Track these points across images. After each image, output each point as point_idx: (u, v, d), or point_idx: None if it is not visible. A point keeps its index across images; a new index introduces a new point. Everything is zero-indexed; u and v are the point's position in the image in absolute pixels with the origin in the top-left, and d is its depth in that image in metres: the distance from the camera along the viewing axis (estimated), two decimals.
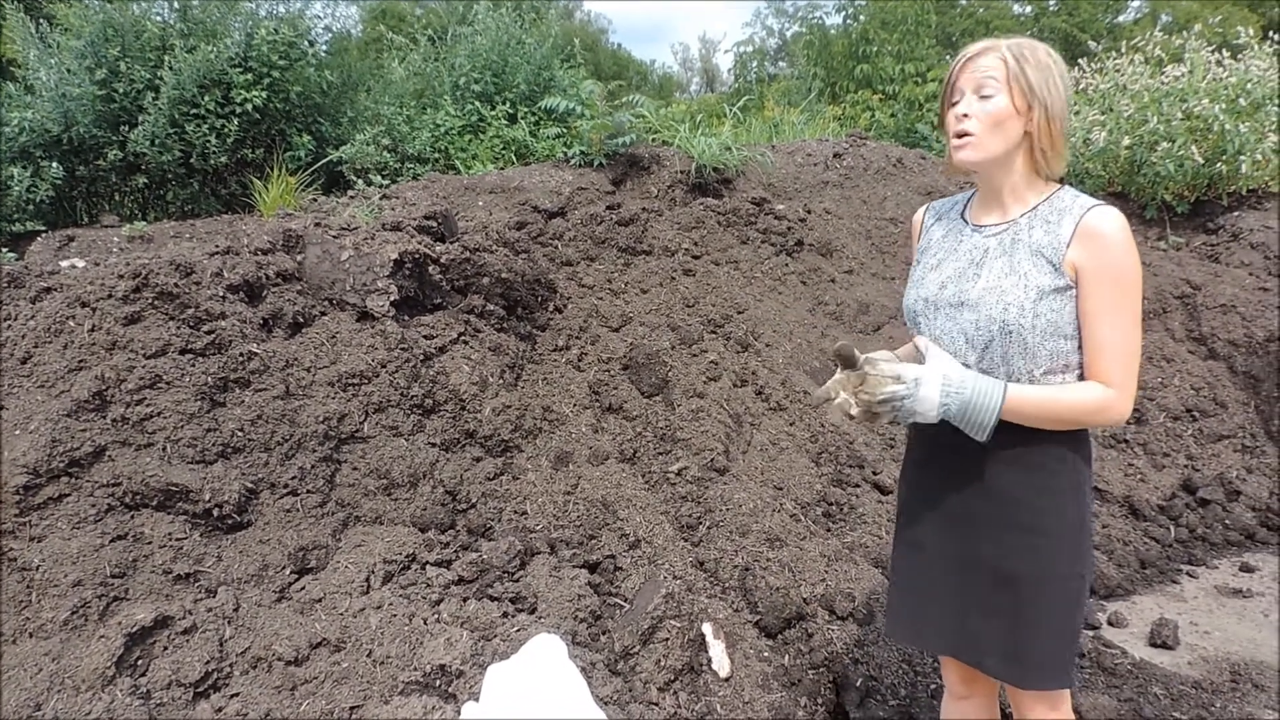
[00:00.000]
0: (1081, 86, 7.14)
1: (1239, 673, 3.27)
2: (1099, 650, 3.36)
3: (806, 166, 5.94)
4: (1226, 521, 4.60)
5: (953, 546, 1.94)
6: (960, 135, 1.81)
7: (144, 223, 3.87)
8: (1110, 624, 3.70)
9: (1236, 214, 6.40)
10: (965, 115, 1.80)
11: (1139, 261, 1.74)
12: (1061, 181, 1.91)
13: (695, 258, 4.72)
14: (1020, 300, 1.77)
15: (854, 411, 1.79)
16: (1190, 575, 4.20)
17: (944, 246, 1.98)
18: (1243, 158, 6.14)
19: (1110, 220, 1.74)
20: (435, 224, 3.83)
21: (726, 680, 2.83)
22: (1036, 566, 1.83)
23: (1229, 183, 6.45)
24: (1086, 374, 1.79)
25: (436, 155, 5.74)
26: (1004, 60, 1.77)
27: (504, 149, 5.78)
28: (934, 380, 1.75)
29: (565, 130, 5.82)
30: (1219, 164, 6.27)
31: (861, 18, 12.60)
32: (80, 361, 2.72)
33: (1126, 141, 6.44)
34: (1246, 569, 4.21)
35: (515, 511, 3.28)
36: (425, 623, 2.63)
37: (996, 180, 1.87)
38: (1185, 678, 3.25)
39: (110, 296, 2.81)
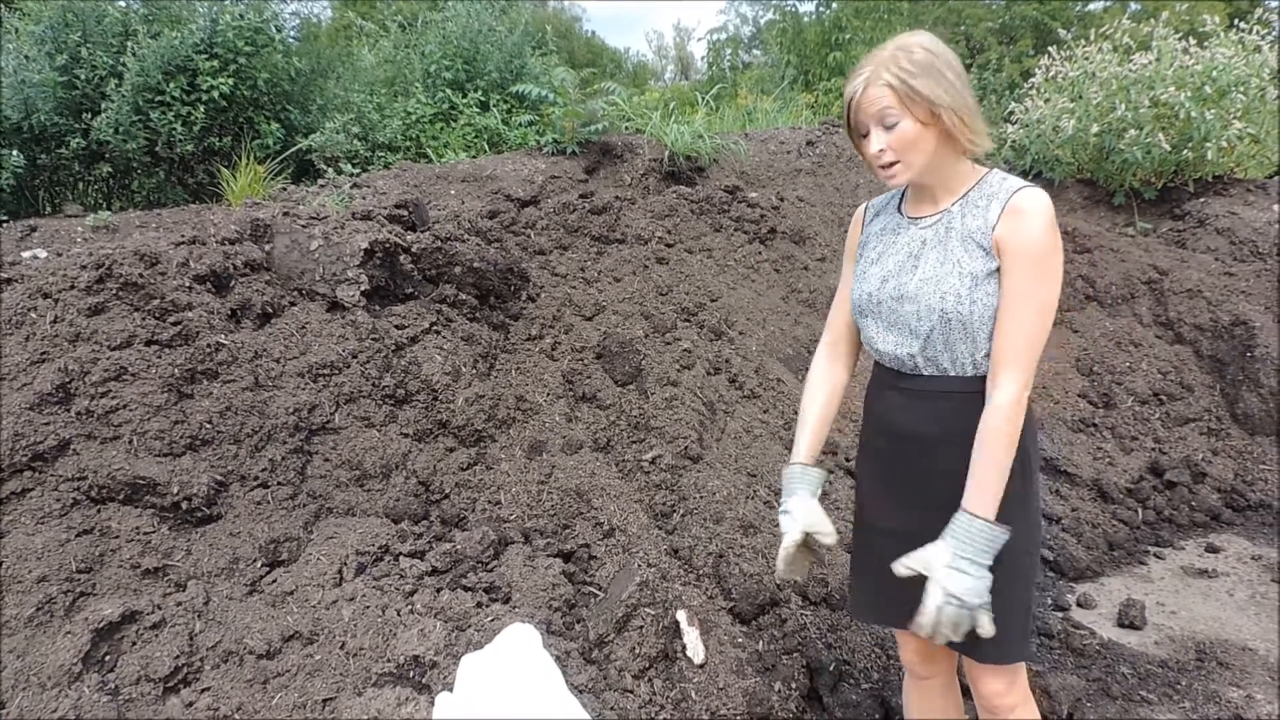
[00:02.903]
0: (1051, 74, 7.19)
1: (1205, 651, 3.33)
2: (1068, 631, 3.41)
3: (779, 154, 5.94)
4: (1192, 503, 4.68)
5: (909, 526, 1.96)
6: (884, 167, 1.85)
7: (109, 212, 3.80)
8: (1079, 605, 3.75)
9: (1203, 200, 6.49)
10: (881, 150, 1.83)
11: (1059, 244, 1.79)
12: (999, 162, 1.95)
13: (668, 246, 4.72)
14: (956, 288, 1.82)
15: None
16: (1157, 556, 4.27)
17: (883, 241, 2.02)
18: (1209, 144, 6.22)
19: (1034, 199, 1.79)
20: (406, 213, 3.80)
21: (701, 667, 2.85)
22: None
23: (1195, 169, 6.53)
24: (991, 358, 1.83)
25: (408, 143, 5.68)
26: (890, 87, 1.78)
27: (476, 137, 5.73)
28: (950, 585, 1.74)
29: (538, 118, 5.78)
30: (1186, 151, 6.35)
31: (834, 5, 12.62)
32: (43, 354, 2.67)
33: (1095, 129, 6.50)
34: (1212, 549, 4.29)
35: (489, 501, 3.27)
36: (399, 614, 2.62)
37: (927, 179, 1.90)
38: (1152, 657, 3.31)
39: (73, 287, 2.76)
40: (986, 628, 1.74)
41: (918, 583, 1.88)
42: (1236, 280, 5.64)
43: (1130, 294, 5.77)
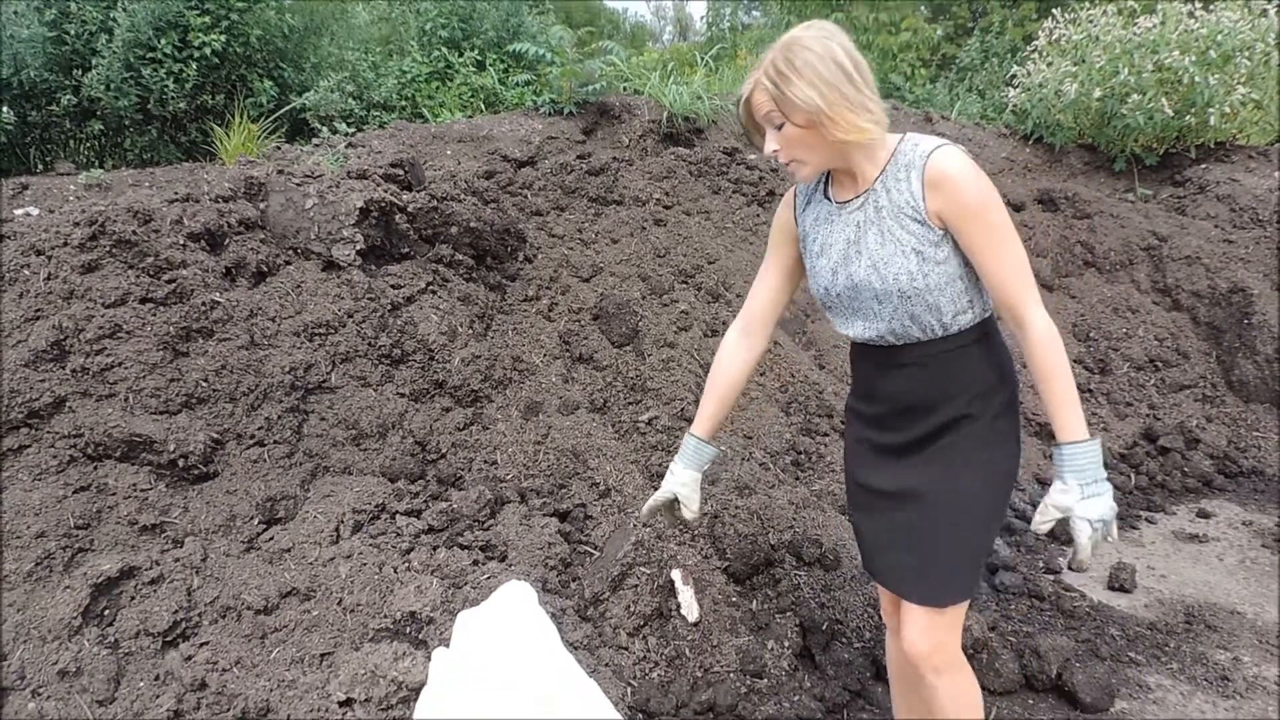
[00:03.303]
0: (1054, 37, 7.11)
1: (1193, 614, 3.37)
2: (1058, 593, 3.44)
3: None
4: (1185, 469, 4.70)
5: (892, 484, 2.01)
6: (786, 164, 1.87)
7: (101, 170, 3.76)
8: (1070, 568, 3.78)
9: (1204, 166, 6.45)
10: (775, 150, 1.85)
11: (988, 182, 1.79)
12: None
13: (666, 208, 4.69)
14: (905, 266, 1.83)
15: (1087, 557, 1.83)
16: (1149, 521, 4.30)
17: (820, 232, 2.00)
18: (1212, 110, 6.17)
19: (950, 160, 1.79)
20: (402, 172, 3.76)
21: (695, 625, 2.88)
22: (944, 484, 1.91)
23: (1197, 135, 6.48)
24: (997, 306, 1.86)
25: (403, 103, 5.62)
26: (768, 94, 1.79)
27: (472, 97, 5.67)
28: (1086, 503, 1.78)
29: (535, 78, 5.71)
30: (1188, 116, 6.30)
31: None
32: (37, 311, 2.66)
33: (1097, 93, 6.43)
34: (1203, 515, 4.32)
35: (485, 461, 3.28)
36: (395, 571, 2.64)
37: (844, 159, 1.89)
38: (1141, 619, 3.35)
39: (66, 244, 2.75)
40: (1115, 534, 1.81)
41: (889, 542, 2.00)
42: (1236, 247, 5.62)
43: (1129, 260, 5.76)
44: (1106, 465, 1.82)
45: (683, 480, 2.20)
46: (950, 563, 1.92)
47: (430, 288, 3.46)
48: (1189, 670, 3.01)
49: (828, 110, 1.75)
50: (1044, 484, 4.41)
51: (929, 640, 1.97)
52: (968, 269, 1.85)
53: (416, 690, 2.29)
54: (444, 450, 3.22)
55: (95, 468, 2.59)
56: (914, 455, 1.97)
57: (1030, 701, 2.86)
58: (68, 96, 4.30)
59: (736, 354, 2.20)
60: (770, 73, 1.78)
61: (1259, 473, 4.75)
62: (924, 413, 1.94)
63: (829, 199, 1.99)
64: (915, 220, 1.81)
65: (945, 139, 1.84)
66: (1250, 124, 6.62)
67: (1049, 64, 6.94)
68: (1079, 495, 1.77)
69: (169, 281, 2.83)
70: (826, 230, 1.97)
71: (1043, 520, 1.83)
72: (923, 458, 1.95)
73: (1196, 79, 6.15)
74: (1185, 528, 4.20)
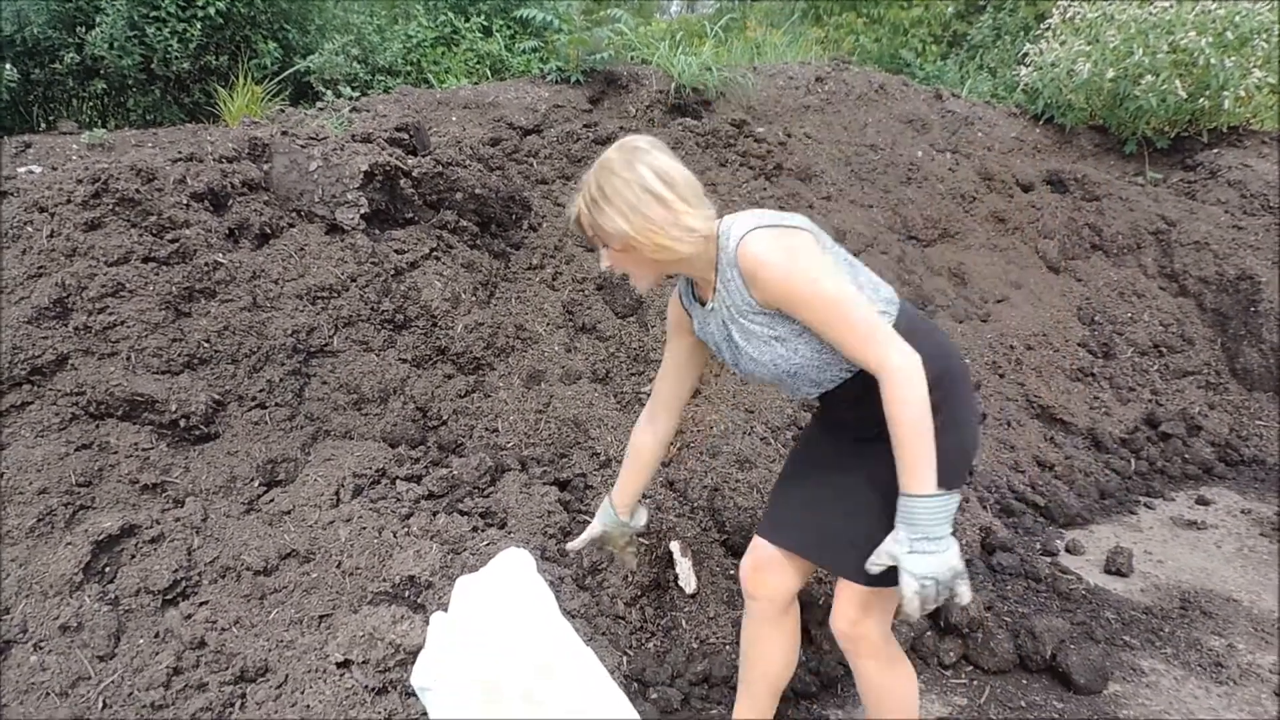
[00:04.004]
0: (1069, 16, 7.02)
1: (1189, 600, 3.38)
2: (1055, 575, 3.45)
3: (788, 90, 5.83)
4: (1186, 455, 4.70)
5: (827, 463, 2.10)
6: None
7: (104, 130, 3.72)
8: (1068, 551, 3.79)
9: (1216, 151, 6.39)
10: (609, 267, 1.94)
11: (795, 255, 1.77)
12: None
13: None
14: (776, 352, 1.89)
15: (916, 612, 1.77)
16: (1148, 507, 4.31)
17: (705, 333, 2.06)
18: (1226, 93, 6.09)
19: (752, 251, 1.78)
20: (407, 137, 3.73)
21: (692, 596, 2.89)
22: (877, 466, 1.89)
23: (1210, 119, 6.41)
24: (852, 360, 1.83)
25: (408, 68, 5.56)
26: (581, 220, 1.86)
27: (478, 63, 5.60)
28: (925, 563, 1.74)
29: (542, 45, 5.65)
30: (1202, 99, 6.22)
31: None
32: (40, 268, 2.65)
33: (1111, 74, 6.35)
34: (1202, 502, 4.33)
35: (486, 429, 3.28)
36: (395, 535, 2.64)
37: (686, 270, 1.95)
38: (1137, 603, 3.36)
39: (69, 202, 2.73)
40: (965, 596, 1.74)
41: (815, 509, 2.07)
42: (1245, 234, 5.58)
43: (1136, 244, 5.72)
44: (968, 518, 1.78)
45: (608, 530, 2.43)
46: (872, 539, 1.87)
47: (434, 254, 3.44)
48: (1183, 655, 3.03)
49: (636, 236, 1.79)
50: (1044, 466, 4.41)
51: (849, 620, 2.04)
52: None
53: (414, 653, 2.30)
54: (445, 417, 3.22)
55: (97, 426, 2.59)
56: (858, 443, 2.01)
57: (1024, 682, 2.87)
58: (71, 55, 4.26)
59: (645, 439, 2.31)
60: (586, 199, 1.83)
61: (1260, 461, 4.75)
62: (865, 428, 1.95)
63: (699, 301, 2.05)
64: (756, 313, 1.86)
65: (752, 219, 1.84)
66: (1265, 108, 6.55)
67: (1062, 43, 6.86)
68: (906, 549, 1.73)
69: (172, 241, 2.82)
70: (707, 330, 2.04)
71: (874, 562, 1.81)
72: (862, 441, 1.99)
73: (1212, 61, 6.07)
74: (1184, 514, 4.21)
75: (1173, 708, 2.73)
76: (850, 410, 1.98)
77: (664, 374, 2.25)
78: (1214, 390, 5.16)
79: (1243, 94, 6.13)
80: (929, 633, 2.99)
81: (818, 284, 1.75)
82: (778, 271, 1.76)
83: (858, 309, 1.75)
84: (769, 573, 2.19)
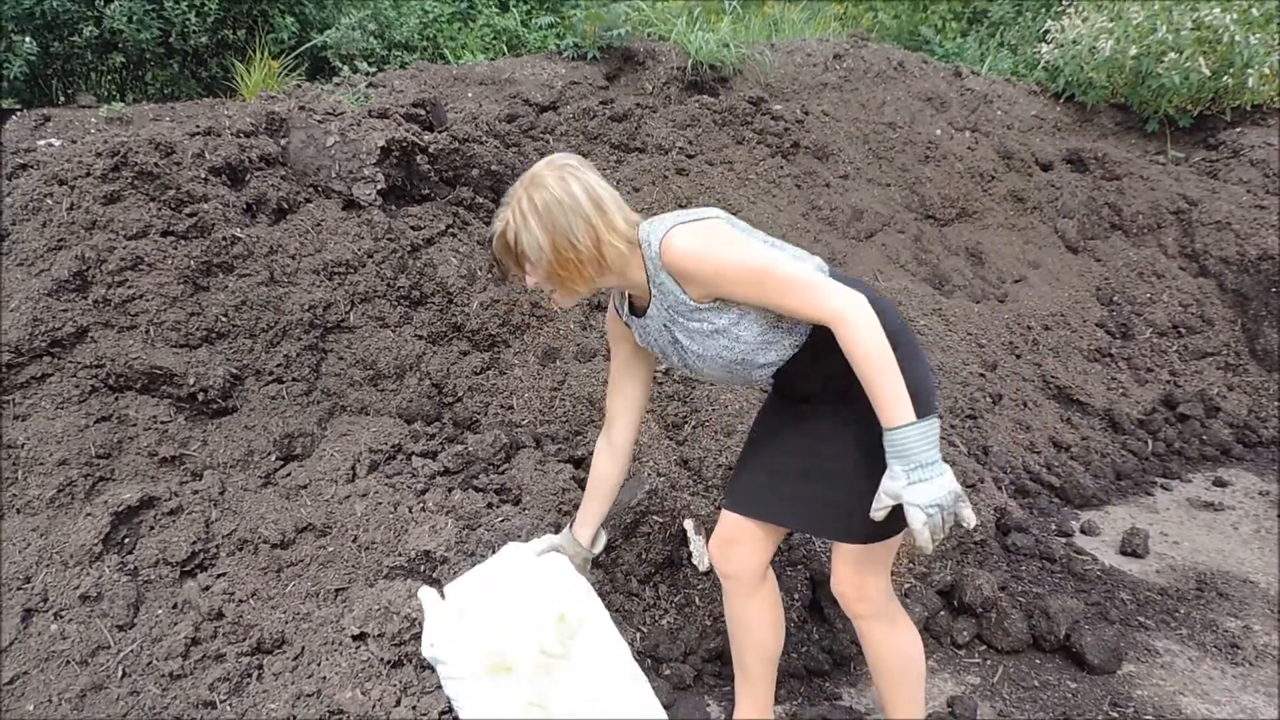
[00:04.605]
0: None
1: (1205, 581, 3.37)
2: (1070, 556, 3.44)
3: (805, 67, 5.77)
4: (1204, 437, 4.67)
5: (790, 429, 2.11)
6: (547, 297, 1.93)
7: (122, 104, 3.73)
8: (1083, 532, 3.78)
9: (1239, 130, 6.29)
10: (536, 284, 1.92)
11: (716, 240, 1.84)
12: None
13: (689, 157, 4.63)
14: (720, 344, 1.91)
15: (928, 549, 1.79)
16: (1164, 488, 4.28)
17: (646, 341, 2.08)
18: (1250, 71, 6.00)
19: (678, 248, 1.81)
20: (423, 113, 3.72)
21: (706, 574, 2.89)
22: (850, 429, 1.96)
23: (1234, 97, 6.31)
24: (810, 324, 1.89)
25: (425, 43, 5.53)
26: (506, 239, 1.86)
27: (495, 39, 5.58)
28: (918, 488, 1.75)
29: (558, 21, 5.62)
30: (1225, 77, 6.13)
31: None
32: (60, 240, 2.66)
33: (1133, 51, 6.26)
34: (1219, 483, 4.30)
35: (502, 406, 3.28)
36: (410, 511, 2.66)
37: (618, 285, 1.98)
38: (1152, 584, 3.35)
39: (89, 175, 2.73)
40: (969, 518, 1.75)
41: (775, 476, 2.08)
42: (1268, 214, 5.51)
43: (1157, 224, 5.66)
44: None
45: (567, 554, 2.33)
46: (859, 500, 1.89)
47: (450, 230, 3.44)
48: (1198, 636, 3.02)
49: (556, 260, 1.83)
50: (1060, 447, 4.39)
51: (850, 583, 2.07)
52: (777, 314, 1.88)
53: None
54: (460, 393, 3.23)
55: (116, 398, 2.61)
56: (823, 409, 2.03)
57: (1038, 661, 2.87)
58: (90, 28, 4.26)
59: (604, 466, 2.30)
60: (509, 228, 1.85)
61: (1279, 443, 4.71)
62: (814, 396, 2.03)
63: (634, 313, 2.06)
64: (694, 311, 1.88)
65: (669, 219, 1.87)
66: None
67: (1084, 19, 6.75)
68: (905, 481, 1.73)
69: (190, 215, 2.82)
70: (649, 338, 2.06)
71: (877, 508, 1.81)
72: (828, 409, 2.01)
73: (1236, 38, 5.97)
74: (1201, 495, 4.18)
75: (1187, 688, 2.73)
76: (807, 381, 2.01)
77: (612, 386, 2.26)
78: (1233, 371, 5.12)
79: (1267, 72, 6.03)
80: (942, 613, 2.99)
81: (742, 258, 1.82)
82: (703, 259, 1.81)
83: (787, 268, 1.81)
84: (738, 546, 2.20)
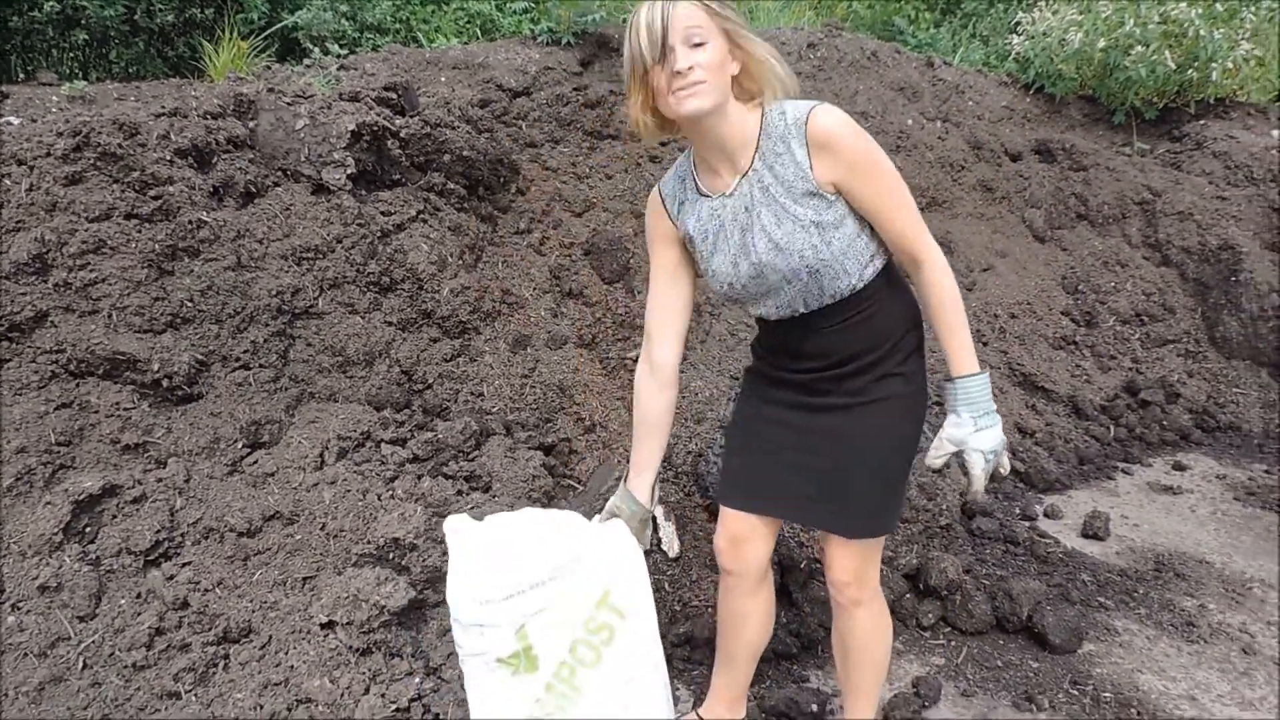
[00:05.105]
0: None
1: (1163, 562, 3.45)
2: (1033, 539, 3.51)
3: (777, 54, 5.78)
4: (1164, 422, 4.76)
5: (804, 426, 2.01)
6: (685, 87, 1.73)
7: (85, 82, 3.65)
8: (1046, 515, 3.85)
9: (1202, 122, 6.39)
10: (690, 68, 1.71)
11: (863, 130, 1.78)
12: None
13: (663, 144, 4.62)
14: (809, 241, 1.79)
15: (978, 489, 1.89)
16: (1125, 472, 4.37)
17: (707, 229, 1.92)
18: (1214, 65, 6.09)
19: (830, 119, 1.76)
20: (395, 96, 3.68)
21: (675, 560, 2.91)
22: (870, 425, 1.93)
23: (1198, 90, 6.41)
24: (895, 250, 1.88)
25: (397, 26, 5.47)
26: (702, 7, 1.73)
27: (468, 23, 5.52)
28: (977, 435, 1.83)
29: (533, 6, 5.57)
30: (1190, 70, 6.22)
31: None
32: (18, 222, 2.61)
33: (1101, 43, 6.33)
34: (1179, 467, 4.39)
35: (472, 393, 3.27)
36: (379, 498, 2.65)
37: (718, 130, 1.80)
38: (1112, 566, 3.42)
39: (49, 155, 2.68)
40: (1007, 465, 1.87)
41: (809, 479, 1.98)
42: (1228, 205, 5.61)
43: (1122, 214, 5.74)
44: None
45: (619, 511, 2.09)
46: (882, 497, 1.96)
47: (421, 216, 3.41)
48: (1156, 616, 3.09)
49: (751, 38, 1.77)
50: (1025, 433, 4.46)
51: (853, 572, 2.04)
52: (861, 221, 1.84)
53: (398, 614, 2.32)
54: (430, 381, 3.21)
55: (78, 384, 2.57)
56: (837, 403, 1.95)
57: (1001, 642, 2.93)
58: (51, 3, 4.16)
59: (648, 393, 2.09)
60: None
61: (1235, 428, 4.82)
62: (844, 365, 1.93)
63: (703, 194, 1.93)
64: (809, 194, 1.78)
65: (810, 100, 1.81)
66: (1251, 80, 6.55)
67: (1054, 12, 6.82)
68: (972, 428, 1.81)
69: (155, 198, 2.78)
70: (714, 223, 1.90)
71: (937, 455, 1.87)
72: (845, 402, 1.94)
73: (1201, 32, 6.06)
74: (1160, 479, 4.27)
75: (1145, 666, 2.79)
76: (831, 337, 1.91)
77: (653, 297, 2.07)
78: (1193, 359, 5.22)
79: (1231, 66, 6.13)
80: (908, 595, 3.03)
81: (886, 156, 1.80)
82: (860, 136, 1.77)
83: (909, 190, 1.83)
84: (748, 545, 2.14)
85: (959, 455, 1.86)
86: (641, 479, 2.10)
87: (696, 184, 1.94)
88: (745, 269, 1.86)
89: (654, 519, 2.90)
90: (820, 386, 1.96)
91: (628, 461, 3.06)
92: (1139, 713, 2.56)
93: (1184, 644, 2.93)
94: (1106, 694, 2.65)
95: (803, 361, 1.98)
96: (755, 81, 1.82)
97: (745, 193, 1.84)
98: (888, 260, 1.93)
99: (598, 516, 2.09)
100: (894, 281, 1.95)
